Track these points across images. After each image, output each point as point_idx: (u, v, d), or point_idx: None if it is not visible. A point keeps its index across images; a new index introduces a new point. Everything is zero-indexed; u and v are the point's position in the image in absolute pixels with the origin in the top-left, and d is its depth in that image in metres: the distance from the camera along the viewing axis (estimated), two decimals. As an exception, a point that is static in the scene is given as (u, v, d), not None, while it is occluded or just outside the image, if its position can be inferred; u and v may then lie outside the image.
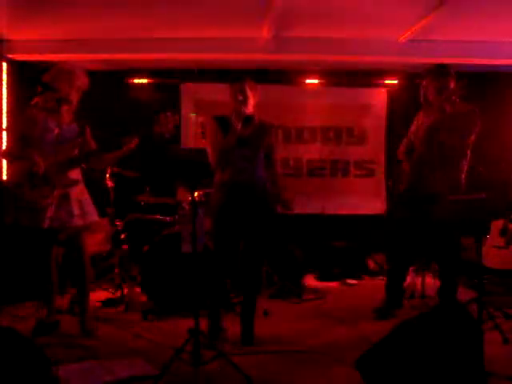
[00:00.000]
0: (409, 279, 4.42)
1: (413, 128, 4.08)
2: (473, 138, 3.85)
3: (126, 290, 4.53)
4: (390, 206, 6.02)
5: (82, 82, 3.54)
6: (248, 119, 3.53)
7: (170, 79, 6.11)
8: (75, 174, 3.54)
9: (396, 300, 4.07)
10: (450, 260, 3.99)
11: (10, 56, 5.40)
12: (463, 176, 3.91)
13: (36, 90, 3.48)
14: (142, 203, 4.98)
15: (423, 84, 4.00)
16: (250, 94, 3.51)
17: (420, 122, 4.03)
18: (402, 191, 4.15)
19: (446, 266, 4.02)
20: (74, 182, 3.50)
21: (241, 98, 3.48)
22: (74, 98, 3.51)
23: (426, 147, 3.86)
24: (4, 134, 5.31)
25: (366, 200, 6.22)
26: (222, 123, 3.53)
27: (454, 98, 3.89)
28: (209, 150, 3.46)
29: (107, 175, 4.61)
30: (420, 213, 3.90)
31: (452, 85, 3.91)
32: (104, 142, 3.60)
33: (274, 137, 3.70)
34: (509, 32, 5.05)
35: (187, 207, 4.51)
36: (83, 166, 3.62)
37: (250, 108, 3.53)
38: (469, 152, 3.89)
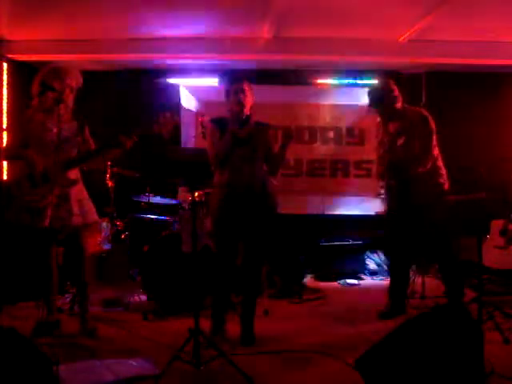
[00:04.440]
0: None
1: (377, 145, 4.19)
2: (434, 138, 3.92)
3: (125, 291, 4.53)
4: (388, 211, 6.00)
5: (76, 81, 3.53)
6: (245, 120, 3.53)
7: (170, 79, 6.11)
8: (74, 173, 3.54)
9: (399, 305, 4.06)
10: (449, 260, 4.00)
11: (10, 56, 5.40)
12: (442, 176, 3.97)
13: (32, 90, 3.48)
14: (142, 203, 4.98)
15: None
16: (248, 94, 3.51)
17: (380, 138, 4.14)
18: (391, 206, 4.22)
19: (446, 266, 4.04)
20: (74, 182, 3.50)
21: (241, 98, 3.48)
22: (68, 97, 3.49)
23: (393, 168, 3.95)
24: (4, 134, 5.31)
25: (366, 200, 6.22)
26: (220, 125, 3.53)
27: (402, 104, 4.00)
28: (208, 152, 3.47)
29: (107, 175, 4.61)
30: (414, 220, 3.96)
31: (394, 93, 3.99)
32: (102, 142, 3.59)
33: (272, 137, 3.68)
34: (509, 32, 5.05)
35: (187, 207, 4.51)
36: (84, 167, 3.61)
37: (247, 109, 3.53)
38: (436, 152, 3.95)
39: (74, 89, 3.52)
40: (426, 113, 3.96)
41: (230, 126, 3.48)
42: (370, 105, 4.08)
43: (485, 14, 4.59)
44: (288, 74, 6.15)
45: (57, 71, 3.45)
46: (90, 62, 5.62)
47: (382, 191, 5.06)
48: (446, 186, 3.98)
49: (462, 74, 6.04)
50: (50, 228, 3.39)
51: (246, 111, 3.51)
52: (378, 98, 4.00)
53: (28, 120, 3.46)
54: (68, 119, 3.52)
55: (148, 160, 5.05)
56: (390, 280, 4.22)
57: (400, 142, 3.93)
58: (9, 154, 3.66)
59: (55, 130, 3.41)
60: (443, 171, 3.99)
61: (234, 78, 3.58)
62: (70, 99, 3.50)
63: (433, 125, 3.92)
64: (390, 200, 4.16)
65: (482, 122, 6.00)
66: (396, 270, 4.17)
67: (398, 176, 3.95)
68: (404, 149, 3.89)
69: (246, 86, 3.50)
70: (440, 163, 3.99)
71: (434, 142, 3.92)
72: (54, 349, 3.15)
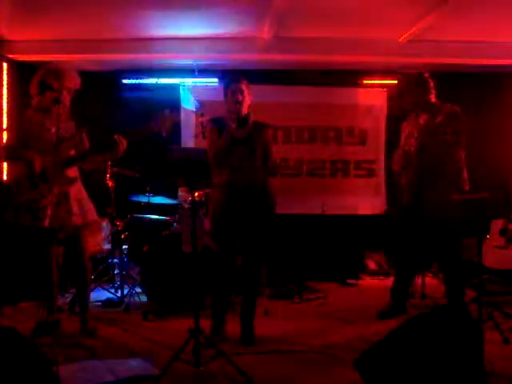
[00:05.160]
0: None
1: (403, 138, 4.11)
2: (464, 136, 3.89)
3: (126, 290, 4.53)
4: (392, 211, 5.96)
5: (74, 82, 3.52)
6: (243, 119, 3.52)
7: (170, 79, 6.11)
8: (73, 172, 3.54)
9: (400, 305, 4.05)
10: (453, 261, 3.99)
11: (10, 56, 5.40)
12: (464, 177, 3.94)
13: (30, 90, 3.47)
14: (142, 203, 4.98)
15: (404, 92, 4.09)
16: (246, 93, 3.51)
17: (408, 131, 4.07)
18: (404, 205, 4.14)
19: (450, 267, 4.02)
20: (72, 181, 3.50)
21: (239, 98, 3.48)
22: (66, 98, 3.49)
23: (423, 154, 3.88)
24: (4, 134, 5.31)
25: (366, 200, 6.22)
26: (219, 124, 3.53)
27: (436, 100, 3.99)
28: (208, 152, 3.47)
29: (107, 175, 4.61)
30: (425, 220, 3.92)
31: (430, 89, 3.99)
32: (101, 142, 3.59)
33: (270, 136, 3.68)
34: (509, 32, 5.05)
35: (187, 207, 4.51)
36: (84, 168, 3.61)
37: (245, 108, 3.53)
38: (462, 152, 3.93)
39: (72, 90, 3.52)
40: (459, 109, 3.91)
41: (229, 125, 3.48)
42: (406, 93, 4.04)
43: (485, 14, 4.59)
44: (288, 73, 6.15)
45: (55, 72, 3.45)
46: (89, 62, 5.62)
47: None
48: (466, 189, 3.94)
49: (462, 74, 6.04)
50: (49, 228, 3.39)
51: (244, 110, 3.51)
52: (414, 88, 3.99)
53: (27, 120, 3.47)
54: (66, 119, 3.52)
55: (148, 160, 5.05)
56: (395, 280, 4.17)
57: (431, 131, 3.87)
58: (8, 154, 3.66)
59: (54, 130, 3.41)
60: (465, 175, 3.95)
61: (233, 78, 3.58)
62: (67, 100, 3.51)
63: (464, 122, 3.87)
64: (408, 195, 4.09)
65: (482, 122, 5.99)
66: (403, 270, 4.13)
67: (426, 163, 3.87)
68: (435, 139, 3.84)
69: (243, 86, 3.50)
70: (463, 165, 3.95)
71: (464, 141, 3.89)
72: (54, 349, 3.16)
